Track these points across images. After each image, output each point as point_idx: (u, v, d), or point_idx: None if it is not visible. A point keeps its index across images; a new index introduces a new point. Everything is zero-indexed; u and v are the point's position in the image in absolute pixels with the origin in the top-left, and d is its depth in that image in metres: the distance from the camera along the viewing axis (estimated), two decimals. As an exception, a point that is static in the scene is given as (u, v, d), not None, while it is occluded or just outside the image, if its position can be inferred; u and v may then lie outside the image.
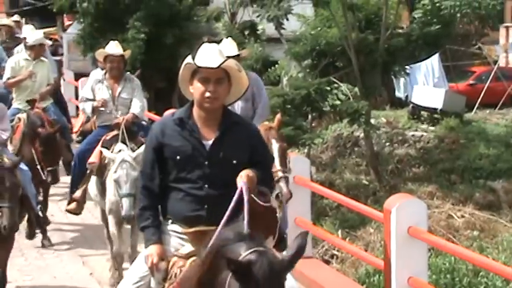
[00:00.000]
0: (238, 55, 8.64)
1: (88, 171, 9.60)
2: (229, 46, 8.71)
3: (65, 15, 32.55)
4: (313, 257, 11.43)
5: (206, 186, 4.89)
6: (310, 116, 26.67)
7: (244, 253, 3.91)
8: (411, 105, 32.66)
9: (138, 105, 9.67)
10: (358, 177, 25.93)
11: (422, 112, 32.05)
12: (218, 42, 25.50)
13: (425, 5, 29.94)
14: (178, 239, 5.00)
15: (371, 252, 13.91)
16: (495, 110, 33.64)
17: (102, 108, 9.55)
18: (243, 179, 4.73)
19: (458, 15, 31.82)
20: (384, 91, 31.83)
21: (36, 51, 11.87)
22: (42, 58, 12.11)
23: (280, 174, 7.73)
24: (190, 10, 29.15)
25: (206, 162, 4.91)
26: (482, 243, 20.06)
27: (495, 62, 37.27)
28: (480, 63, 37.47)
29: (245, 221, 4.52)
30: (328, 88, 26.01)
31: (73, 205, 9.83)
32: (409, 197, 8.83)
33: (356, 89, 26.09)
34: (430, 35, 29.52)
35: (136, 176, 8.06)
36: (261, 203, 7.10)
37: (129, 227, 9.22)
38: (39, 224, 9.84)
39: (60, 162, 11.49)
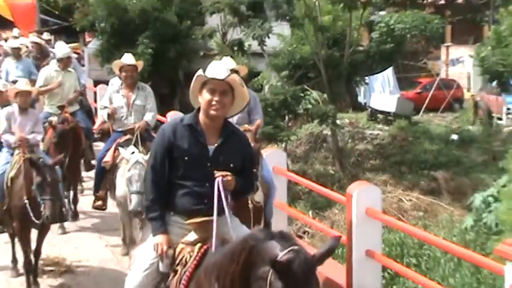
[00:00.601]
0: (236, 71, 8.15)
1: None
2: (228, 62, 8.26)
3: (86, 33, 32.40)
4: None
5: (207, 184, 4.74)
6: (287, 117, 26.74)
7: (282, 252, 3.78)
8: (369, 109, 32.80)
9: (150, 114, 9.36)
10: (325, 167, 25.98)
11: (378, 115, 32.17)
12: (213, 56, 25.56)
13: (381, 27, 30.11)
14: (180, 229, 4.84)
15: (336, 229, 13.95)
16: (437, 114, 33.74)
17: (116, 115, 9.25)
18: (218, 175, 4.71)
19: (408, 36, 32.03)
20: (347, 97, 31.83)
21: (64, 63, 11.60)
22: (69, 69, 11.85)
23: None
24: (189, 30, 29.11)
25: (209, 164, 4.79)
26: (426, 222, 20.08)
27: (437, 74, 37.37)
28: (425, 75, 37.55)
29: (226, 210, 4.68)
30: (302, 94, 26.03)
31: (99, 203, 9.54)
32: (367, 184, 8.80)
33: (325, 95, 26.03)
34: (385, 52, 29.70)
35: None
36: (254, 203, 7.15)
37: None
38: (66, 217, 9.43)
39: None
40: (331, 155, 27.08)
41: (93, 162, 11.13)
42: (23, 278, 8.54)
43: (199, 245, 4.69)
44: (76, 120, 11.29)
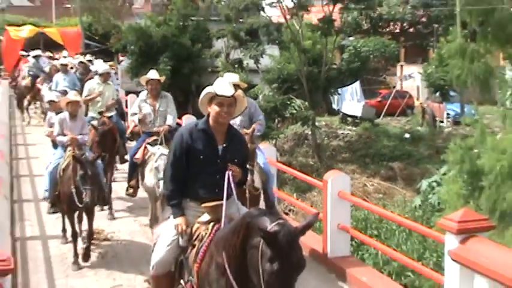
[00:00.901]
0: (238, 85, 7.99)
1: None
2: (232, 77, 8.12)
3: (119, 54, 32.35)
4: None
5: (218, 177, 4.71)
6: (276, 120, 26.84)
7: (270, 225, 3.79)
8: (341, 113, 32.75)
9: (171, 118, 9.22)
10: (307, 160, 26.00)
11: (348, 118, 32.11)
12: (218, 72, 25.44)
13: (350, 50, 30.24)
14: (195, 212, 4.82)
15: (314, 208, 14.00)
16: (394, 118, 33.75)
17: (146, 119, 9.15)
18: (229, 168, 4.72)
19: (371, 56, 32.16)
20: (323, 104, 31.87)
21: (105, 77, 11.64)
22: (108, 82, 11.84)
23: (248, 166, 7.19)
24: (199, 51, 29.08)
25: (219, 161, 4.76)
26: (384, 202, 20.15)
27: (394, 87, 37.37)
28: (384, 87, 37.51)
29: (234, 195, 4.72)
30: (288, 102, 26.15)
31: (130, 190, 9.42)
32: (339, 172, 8.82)
33: (306, 103, 26.14)
34: (353, 69, 29.85)
35: None
36: (251, 193, 7.04)
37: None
38: (107, 201, 9.64)
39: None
40: (311, 150, 27.10)
41: (126, 157, 11.08)
42: (70, 245, 8.51)
43: (212, 224, 4.66)
44: (113, 122, 11.24)
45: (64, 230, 9.11)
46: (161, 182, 7.62)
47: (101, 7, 36.71)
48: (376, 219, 13.16)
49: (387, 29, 39.29)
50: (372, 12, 35.20)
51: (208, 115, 4.82)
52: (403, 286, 7.88)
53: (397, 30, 39.85)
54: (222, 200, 4.64)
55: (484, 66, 12.56)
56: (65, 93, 12.72)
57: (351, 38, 33.86)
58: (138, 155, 8.95)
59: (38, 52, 22.06)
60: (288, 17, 27.50)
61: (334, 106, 33.85)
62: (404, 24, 39.71)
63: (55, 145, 9.57)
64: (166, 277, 4.84)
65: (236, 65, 28.66)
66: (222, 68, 28.51)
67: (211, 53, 30.20)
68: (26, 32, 29.74)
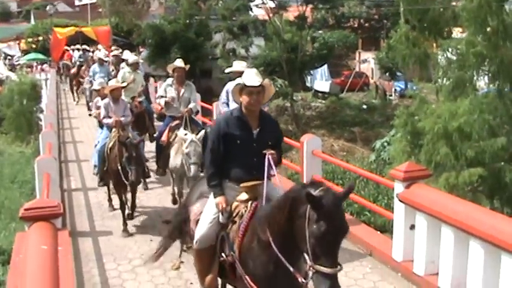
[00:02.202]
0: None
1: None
2: (241, 64, 7.51)
3: (140, 46, 32.11)
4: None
5: (255, 159, 4.14)
6: (263, 96, 26.72)
7: (316, 191, 3.27)
8: (313, 90, 32.65)
9: (193, 104, 8.14)
10: (287, 127, 25.93)
11: (319, 93, 32.01)
12: (217, 58, 25.11)
13: (320, 40, 29.93)
14: (233, 191, 4.21)
15: (295, 164, 14.10)
16: (354, 93, 33.66)
17: (171, 103, 8.11)
18: (267, 152, 4.11)
19: (336, 45, 31.93)
20: (299, 83, 31.75)
21: (134, 66, 10.76)
22: (138, 71, 10.94)
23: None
24: (202, 43, 28.90)
25: (254, 144, 4.16)
26: (348, 158, 20.25)
27: (354, 69, 37.25)
28: (347, 69, 37.39)
29: (274, 175, 4.23)
30: (272, 81, 25.94)
31: (160, 171, 8.41)
32: (312, 135, 8.82)
33: (286, 82, 26.04)
34: (322, 55, 29.68)
35: (200, 151, 6.92)
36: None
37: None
38: (147, 175, 8.46)
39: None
40: (290, 119, 27.11)
41: (154, 135, 9.83)
42: (105, 194, 8.45)
43: (250, 202, 4.11)
44: (143, 106, 10.70)
45: (110, 199, 8.37)
46: (192, 166, 6.91)
47: (125, 10, 37.00)
48: (341, 172, 13.15)
49: (348, 24, 39.33)
50: (336, 11, 35.07)
51: (241, 103, 4.27)
52: (362, 221, 7.92)
53: (356, 25, 39.84)
54: (257, 180, 4.13)
55: (423, 51, 12.59)
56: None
57: (320, 31, 33.67)
58: (163, 138, 8.10)
59: (84, 47, 21.67)
60: (271, 15, 27.68)
61: (308, 84, 33.77)
62: (361, 20, 39.65)
63: (101, 125, 8.80)
64: (208, 251, 4.31)
65: (231, 53, 28.64)
66: (219, 55, 28.53)
67: (211, 44, 30.19)
68: (68, 31, 29.54)
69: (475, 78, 9.99)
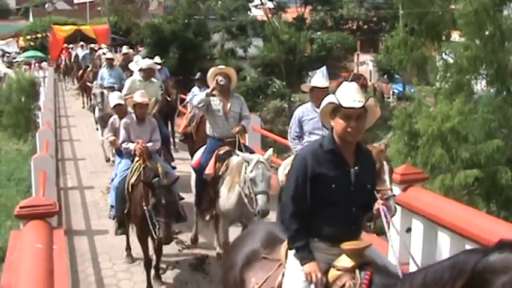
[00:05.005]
0: (327, 87, 5.61)
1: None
2: (321, 78, 5.77)
3: (138, 45, 32.15)
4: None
5: (353, 209, 3.08)
6: (260, 96, 26.69)
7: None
8: (311, 91, 32.61)
9: (246, 121, 6.19)
10: (284, 127, 25.50)
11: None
12: (215, 58, 25.06)
13: (318, 42, 29.94)
14: (324, 255, 3.08)
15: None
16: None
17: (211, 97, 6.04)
18: (380, 204, 3.18)
19: (334, 47, 31.95)
20: (298, 84, 31.74)
21: (147, 73, 8.23)
22: (152, 79, 8.37)
23: (389, 193, 4.73)
24: (200, 43, 28.88)
25: (352, 188, 3.05)
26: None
27: (352, 70, 37.23)
28: (345, 71, 37.35)
29: (388, 235, 3.33)
30: (270, 82, 26.09)
31: (207, 217, 6.08)
32: (309, 137, 8.76)
33: (284, 83, 26.09)
34: (321, 57, 29.71)
35: (270, 176, 5.24)
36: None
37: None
38: (182, 219, 5.82)
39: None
40: (287, 119, 27.09)
41: (173, 164, 7.78)
42: (101, 193, 8.43)
43: (358, 271, 2.99)
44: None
45: (128, 248, 6.35)
46: (260, 197, 5.08)
47: (124, 9, 36.99)
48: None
49: (347, 26, 39.26)
50: (335, 13, 35.07)
51: (332, 129, 3.11)
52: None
53: (354, 27, 39.82)
54: (357, 238, 3.15)
55: (421, 55, 12.65)
56: (111, 89, 10.21)
57: (318, 33, 33.68)
58: (209, 170, 5.87)
59: (91, 46, 20.91)
60: (270, 16, 27.64)
61: (306, 86, 33.73)
62: (360, 23, 39.66)
63: (119, 152, 6.40)
64: None
65: (229, 54, 28.64)
66: (218, 56, 28.55)
67: (210, 44, 30.10)
68: (68, 30, 29.61)
69: (473, 82, 10.03)
